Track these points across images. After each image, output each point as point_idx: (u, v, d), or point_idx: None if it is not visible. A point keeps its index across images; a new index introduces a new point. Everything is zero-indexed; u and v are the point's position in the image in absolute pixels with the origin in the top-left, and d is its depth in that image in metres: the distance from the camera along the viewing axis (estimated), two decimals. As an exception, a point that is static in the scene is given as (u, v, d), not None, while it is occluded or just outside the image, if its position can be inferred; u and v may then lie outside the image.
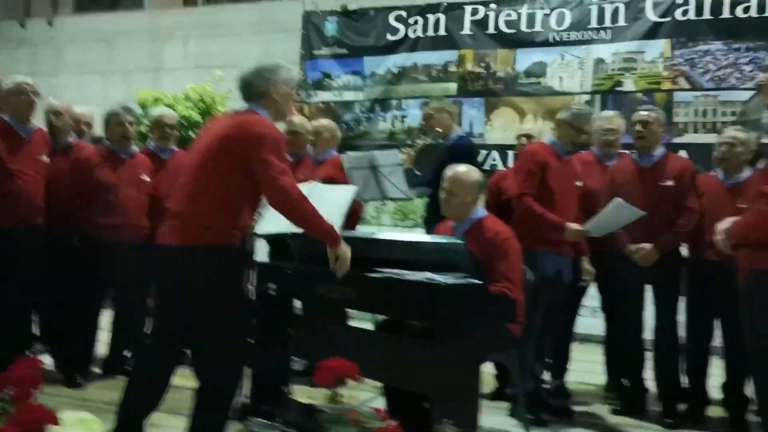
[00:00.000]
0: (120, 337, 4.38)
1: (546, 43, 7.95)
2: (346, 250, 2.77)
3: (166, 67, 9.53)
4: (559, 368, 4.38)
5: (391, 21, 8.68)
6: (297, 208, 2.66)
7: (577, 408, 4.16)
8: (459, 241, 2.80)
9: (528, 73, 8.08)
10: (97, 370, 4.35)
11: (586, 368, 4.60)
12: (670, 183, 3.87)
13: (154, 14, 9.90)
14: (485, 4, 8.22)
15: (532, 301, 3.66)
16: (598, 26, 7.80)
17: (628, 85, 7.45)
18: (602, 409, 4.20)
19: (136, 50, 9.78)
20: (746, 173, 3.84)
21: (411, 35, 8.61)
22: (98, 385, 4.16)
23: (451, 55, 8.36)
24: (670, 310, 3.93)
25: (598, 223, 3.63)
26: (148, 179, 4.28)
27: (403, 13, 8.60)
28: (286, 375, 3.50)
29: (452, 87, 8.32)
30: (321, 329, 3.28)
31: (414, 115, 8.55)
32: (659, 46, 7.48)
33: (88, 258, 4.12)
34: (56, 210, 4.03)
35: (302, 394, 3.60)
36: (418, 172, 4.43)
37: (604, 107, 7.31)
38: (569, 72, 7.94)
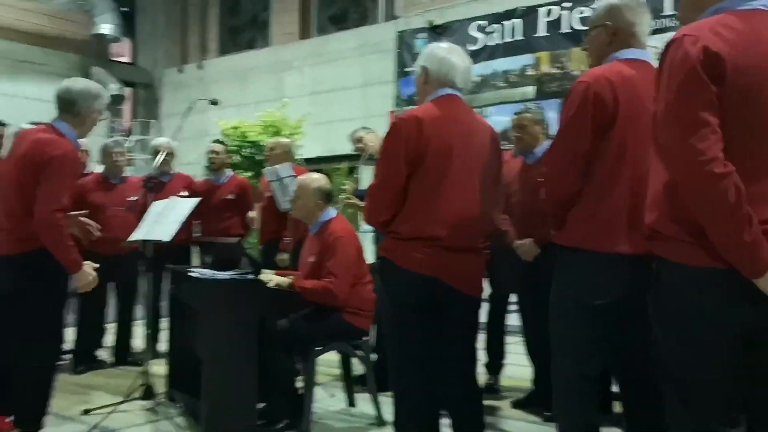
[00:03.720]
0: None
1: (619, 37, 7.68)
2: (84, 276, 3.12)
3: (287, 95, 10.60)
4: (493, 365, 4.44)
5: (471, 31, 8.93)
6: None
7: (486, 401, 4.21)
8: (233, 241, 3.18)
9: (603, 70, 7.85)
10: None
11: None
12: None
13: (277, 49, 11.07)
14: (558, 4, 8.15)
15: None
16: (673, 13, 7.38)
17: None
18: (506, 403, 4.19)
19: (263, 83, 11.03)
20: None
21: (489, 43, 8.79)
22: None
23: (527, 59, 8.40)
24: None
25: None
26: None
27: (482, 23, 8.81)
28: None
29: (530, 90, 8.37)
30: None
31: (495, 122, 8.68)
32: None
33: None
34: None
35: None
36: None
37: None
38: (644, 64, 7.58)
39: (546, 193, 2.25)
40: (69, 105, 3.09)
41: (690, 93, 1.59)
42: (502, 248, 4.11)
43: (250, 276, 3.19)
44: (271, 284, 3.29)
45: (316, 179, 3.74)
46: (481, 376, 4.48)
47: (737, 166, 1.56)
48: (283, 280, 3.45)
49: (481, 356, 4.52)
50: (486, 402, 4.21)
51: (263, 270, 3.42)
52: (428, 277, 2.38)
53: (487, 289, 4.44)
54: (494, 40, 8.77)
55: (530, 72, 8.37)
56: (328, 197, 3.71)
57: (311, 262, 3.63)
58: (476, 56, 8.91)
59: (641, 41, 2.26)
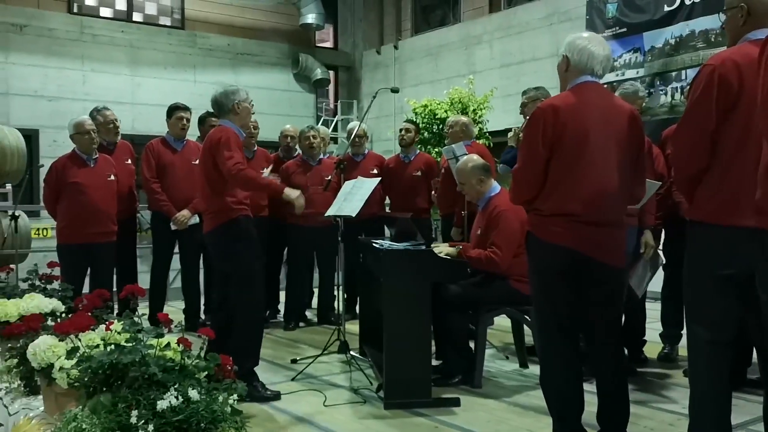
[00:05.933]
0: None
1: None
2: (290, 193, 3.75)
3: (477, 69, 10.88)
4: (670, 334, 4.48)
5: (667, -10, 8.58)
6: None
7: (659, 369, 4.28)
8: (407, 216, 3.56)
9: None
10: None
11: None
12: None
13: (467, 25, 11.33)
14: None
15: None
16: None
17: None
18: (679, 372, 4.20)
19: (454, 59, 11.37)
20: None
21: (687, 2, 8.39)
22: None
23: (728, 15, 7.92)
24: None
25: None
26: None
27: (680, -20, 8.44)
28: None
29: (732, 50, 7.91)
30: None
31: (693, 85, 8.32)
32: None
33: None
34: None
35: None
36: None
37: None
38: None
39: (674, 170, 2.39)
40: (219, 106, 3.81)
41: None
42: (677, 219, 4.15)
43: (422, 247, 3.61)
44: (441, 254, 3.68)
45: (470, 159, 4.07)
46: (656, 346, 4.57)
47: None
48: (452, 251, 3.82)
49: (658, 327, 4.60)
50: (660, 370, 4.32)
51: (436, 242, 3.84)
52: (567, 249, 2.60)
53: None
54: (692, -2, 8.36)
55: (732, 30, 7.88)
56: (486, 170, 4.02)
57: (478, 234, 3.97)
58: (673, 16, 8.55)
59: None
